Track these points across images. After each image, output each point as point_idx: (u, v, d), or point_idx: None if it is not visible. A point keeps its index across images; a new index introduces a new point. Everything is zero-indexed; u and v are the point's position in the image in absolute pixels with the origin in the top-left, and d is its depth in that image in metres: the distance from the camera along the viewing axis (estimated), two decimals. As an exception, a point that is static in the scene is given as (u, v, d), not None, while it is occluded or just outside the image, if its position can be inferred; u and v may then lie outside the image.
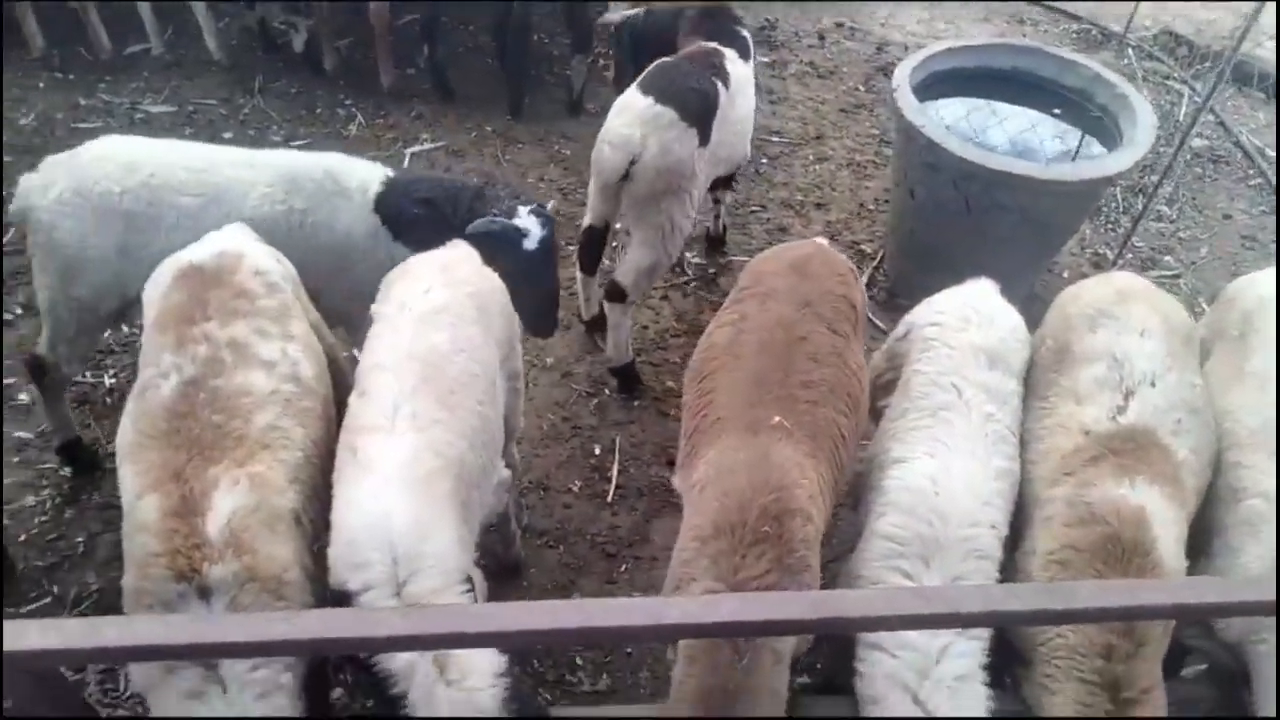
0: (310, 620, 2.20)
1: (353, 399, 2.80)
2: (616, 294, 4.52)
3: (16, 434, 4.32)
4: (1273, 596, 1.97)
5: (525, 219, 3.63)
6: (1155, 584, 2.49)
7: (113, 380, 4.60)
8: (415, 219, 3.66)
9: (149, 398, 2.61)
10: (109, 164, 3.47)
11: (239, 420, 2.57)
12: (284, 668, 2.38)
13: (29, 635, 2.06)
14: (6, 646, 2.08)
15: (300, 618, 2.25)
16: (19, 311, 4.86)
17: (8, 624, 2.25)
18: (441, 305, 2.94)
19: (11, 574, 3.77)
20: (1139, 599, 2.28)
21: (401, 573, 2.45)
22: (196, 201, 3.48)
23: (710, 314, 5.33)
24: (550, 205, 5.45)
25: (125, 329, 4.84)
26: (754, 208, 6.13)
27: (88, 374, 4.61)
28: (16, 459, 4.23)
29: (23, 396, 4.46)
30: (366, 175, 3.73)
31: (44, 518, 4.04)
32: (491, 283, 3.25)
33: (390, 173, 3.80)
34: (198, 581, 2.30)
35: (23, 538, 3.95)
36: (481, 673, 2.49)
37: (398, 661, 2.44)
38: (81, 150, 3.55)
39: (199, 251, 2.94)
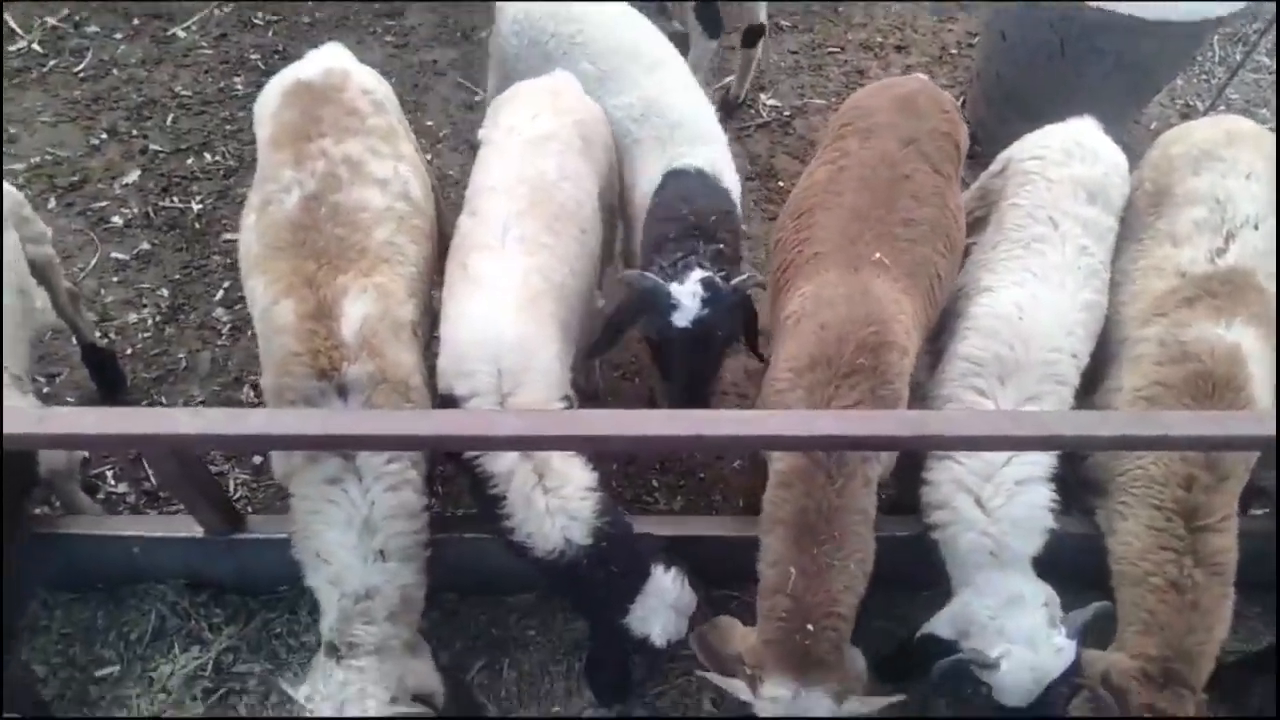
0: (440, 419, 2.37)
1: (463, 218, 2.88)
2: (757, 34, 5.11)
3: (114, 255, 4.48)
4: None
5: (687, 286, 2.84)
6: (1245, 415, 2.56)
7: (200, 206, 4.70)
8: (652, 209, 3.19)
9: (272, 212, 2.69)
10: (557, 6, 3.58)
11: (360, 234, 2.65)
12: (411, 464, 2.57)
13: (179, 421, 2.23)
14: (159, 430, 2.26)
15: (431, 416, 2.42)
16: (104, 137, 4.95)
17: (159, 411, 2.43)
18: (549, 132, 2.96)
19: (122, 384, 4.00)
20: (1229, 429, 2.36)
21: (506, 385, 2.59)
22: (592, 72, 3.46)
23: (784, 157, 5.29)
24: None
25: (208, 157, 4.94)
26: (831, 49, 5.92)
27: (176, 199, 4.72)
28: (116, 279, 4.40)
29: (115, 219, 4.59)
30: (687, 153, 3.25)
31: (146, 334, 4.24)
32: (594, 113, 3.25)
33: (710, 166, 3.23)
34: (337, 380, 2.44)
35: (129, 351, 4.17)
36: (576, 484, 2.67)
37: (501, 463, 2.60)
38: None
39: (306, 68, 2.95)
